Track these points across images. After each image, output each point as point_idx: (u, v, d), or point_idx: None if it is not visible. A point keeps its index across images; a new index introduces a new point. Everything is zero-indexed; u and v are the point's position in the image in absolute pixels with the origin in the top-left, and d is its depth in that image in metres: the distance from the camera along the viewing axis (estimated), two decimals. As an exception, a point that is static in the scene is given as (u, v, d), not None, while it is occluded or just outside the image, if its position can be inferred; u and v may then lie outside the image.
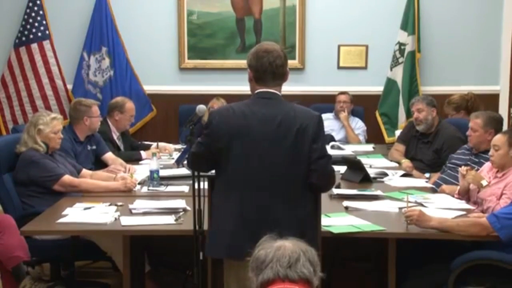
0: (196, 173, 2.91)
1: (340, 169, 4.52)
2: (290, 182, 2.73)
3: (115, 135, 5.34)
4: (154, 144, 5.51)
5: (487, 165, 3.85)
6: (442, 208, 3.59)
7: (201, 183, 2.90)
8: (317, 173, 2.73)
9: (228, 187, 2.77)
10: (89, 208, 3.62)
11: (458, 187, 3.92)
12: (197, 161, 2.87)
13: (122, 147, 5.39)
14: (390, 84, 6.50)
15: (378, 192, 3.95)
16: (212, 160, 2.79)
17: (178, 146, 5.61)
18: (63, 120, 4.41)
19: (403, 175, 4.61)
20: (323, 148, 2.76)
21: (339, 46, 6.57)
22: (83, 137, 4.79)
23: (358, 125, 6.26)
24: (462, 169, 3.86)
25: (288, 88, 6.36)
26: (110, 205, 3.69)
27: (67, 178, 4.00)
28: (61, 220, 3.42)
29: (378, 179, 4.39)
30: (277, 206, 2.70)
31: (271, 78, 2.77)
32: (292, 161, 2.71)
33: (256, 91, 2.80)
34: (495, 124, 4.14)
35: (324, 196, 3.05)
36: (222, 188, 2.80)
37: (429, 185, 4.33)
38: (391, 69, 6.47)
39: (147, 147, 5.50)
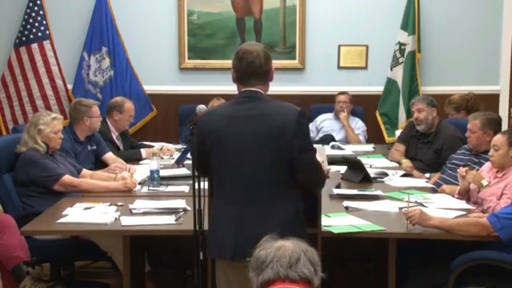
0: (196, 173, 2.91)
1: (340, 169, 4.52)
2: (273, 180, 2.72)
3: (114, 135, 5.33)
4: (157, 145, 5.52)
5: (487, 165, 3.85)
6: (442, 208, 3.59)
7: (201, 183, 2.91)
8: (301, 168, 2.72)
9: (217, 187, 2.82)
10: (89, 208, 3.63)
11: (458, 187, 3.92)
12: (201, 164, 2.90)
13: (121, 147, 5.39)
14: (390, 84, 6.50)
15: (378, 192, 3.95)
16: (207, 161, 2.81)
17: (178, 146, 5.61)
18: (63, 120, 4.40)
19: (403, 175, 4.61)
20: (305, 143, 2.74)
21: (339, 46, 6.57)
22: (83, 137, 4.79)
23: (358, 125, 6.26)
24: (461, 170, 3.86)
25: (288, 88, 6.39)
26: (110, 205, 3.69)
27: (67, 178, 4.00)
28: (61, 220, 3.42)
29: (378, 179, 4.39)
30: (261, 205, 2.71)
31: (252, 78, 2.78)
32: (275, 159, 2.70)
33: (240, 91, 2.83)
34: (493, 125, 4.14)
35: (324, 196, 3.06)
36: (215, 188, 2.84)
37: (429, 185, 4.33)
38: (391, 69, 6.47)
39: (147, 148, 5.49)
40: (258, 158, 2.70)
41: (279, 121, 2.70)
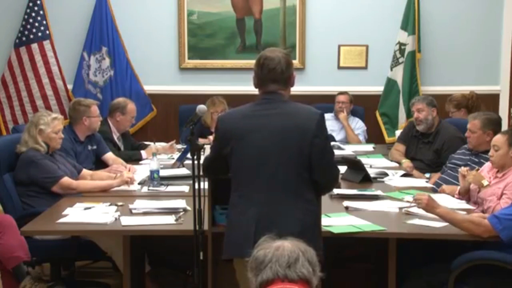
0: (196, 173, 2.91)
1: (340, 169, 4.51)
2: (293, 179, 2.74)
3: (115, 136, 5.33)
4: (151, 145, 5.48)
5: (487, 165, 3.85)
6: (442, 208, 3.58)
7: (201, 183, 2.91)
8: (320, 169, 2.74)
9: (236, 186, 2.81)
10: (89, 208, 3.63)
11: (459, 187, 3.92)
12: (212, 166, 2.91)
13: (122, 148, 5.38)
14: (390, 84, 6.50)
15: (378, 192, 3.95)
16: (225, 162, 2.82)
17: (179, 146, 5.61)
18: (63, 120, 4.40)
19: (403, 175, 4.60)
20: (326, 145, 2.79)
21: (339, 46, 6.57)
22: (83, 137, 4.78)
23: (358, 125, 6.26)
24: (463, 170, 3.86)
25: (288, 88, 6.27)
26: (110, 205, 3.69)
27: (65, 180, 3.99)
28: (61, 220, 3.42)
29: (378, 179, 4.39)
30: (280, 203, 2.72)
31: (272, 84, 2.82)
32: (295, 158, 2.73)
33: (261, 93, 2.86)
34: (493, 125, 4.14)
35: (324, 196, 3.05)
36: (232, 187, 2.83)
37: (429, 185, 4.33)
38: (391, 69, 6.47)
39: (148, 147, 5.48)
40: (279, 157, 2.73)
41: (301, 121, 2.75)
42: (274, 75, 2.80)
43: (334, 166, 2.84)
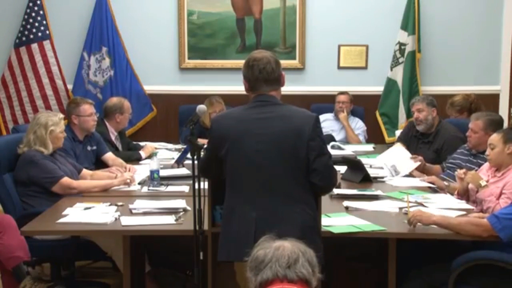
0: (196, 173, 2.91)
1: (340, 169, 4.52)
2: (290, 182, 2.75)
3: (113, 136, 5.30)
4: (148, 144, 5.46)
5: (486, 164, 3.85)
6: (443, 208, 3.58)
7: (201, 183, 2.91)
8: (318, 172, 2.75)
9: (232, 189, 2.82)
10: (89, 208, 3.63)
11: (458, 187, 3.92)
12: (206, 167, 2.91)
13: (120, 147, 5.37)
14: (390, 84, 6.50)
15: (378, 192, 3.95)
16: (219, 164, 2.83)
17: (178, 146, 5.61)
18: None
19: (404, 175, 4.60)
20: (322, 147, 2.78)
21: (339, 46, 6.57)
22: (82, 136, 4.75)
23: (358, 125, 6.26)
24: (459, 173, 3.86)
25: (288, 88, 6.37)
26: (110, 205, 3.69)
27: (65, 180, 3.98)
28: (61, 220, 3.42)
29: (378, 179, 4.39)
30: (278, 207, 2.73)
31: (265, 85, 2.82)
32: (291, 162, 2.73)
33: (254, 96, 2.85)
34: (495, 126, 4.13)
35: (324, 196, 3.06)
36: (228, 190, 2.84)
37: (429, 185, 4.32)
38: (391, 69, 6.47)
39: (141, 148, 5.47)
40: (276, 161, 2.73)
41: (296, 124, 2.74)
42: (265, 75, 2.80)
43: (331, 168, 2.83)
